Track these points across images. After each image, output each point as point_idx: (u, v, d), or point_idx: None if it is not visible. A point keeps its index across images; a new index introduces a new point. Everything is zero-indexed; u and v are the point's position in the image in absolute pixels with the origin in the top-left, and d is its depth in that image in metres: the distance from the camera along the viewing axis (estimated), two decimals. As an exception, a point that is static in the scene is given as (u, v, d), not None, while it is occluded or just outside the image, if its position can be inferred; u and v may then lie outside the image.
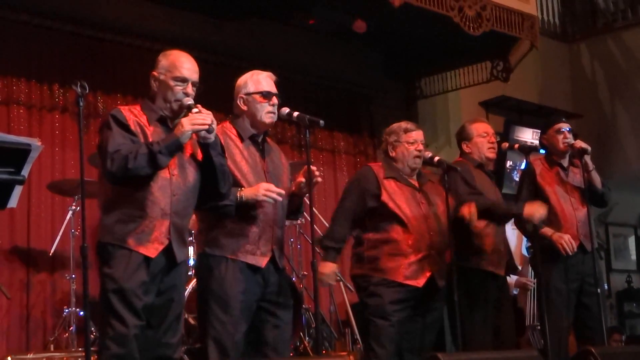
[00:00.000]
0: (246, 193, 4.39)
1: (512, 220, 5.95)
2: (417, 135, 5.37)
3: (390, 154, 5.37)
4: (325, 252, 5.21)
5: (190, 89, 4.18)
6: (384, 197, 5.20)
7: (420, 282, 5.15)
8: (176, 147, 4.01)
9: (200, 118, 4.02)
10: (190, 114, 4.08)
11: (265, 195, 4.37)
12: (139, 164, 3.92)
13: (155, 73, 4.23)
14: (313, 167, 4.48)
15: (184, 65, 4.21)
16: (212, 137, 4.13)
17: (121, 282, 3.96)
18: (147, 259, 4.03)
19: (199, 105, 4.13)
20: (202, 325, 4.43)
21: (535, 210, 5.49)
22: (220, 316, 4.35)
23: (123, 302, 3.95)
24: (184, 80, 4.17)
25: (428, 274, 5.17)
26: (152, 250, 4.04)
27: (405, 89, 9.98)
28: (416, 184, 5.35)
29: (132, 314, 3.96)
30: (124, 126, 4.06)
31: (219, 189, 4.26)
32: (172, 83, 4.17)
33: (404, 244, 5.16)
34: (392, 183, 5.27)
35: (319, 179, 4.55)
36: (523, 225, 5.88)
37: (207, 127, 4.02)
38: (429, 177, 5.48)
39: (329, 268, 5.14)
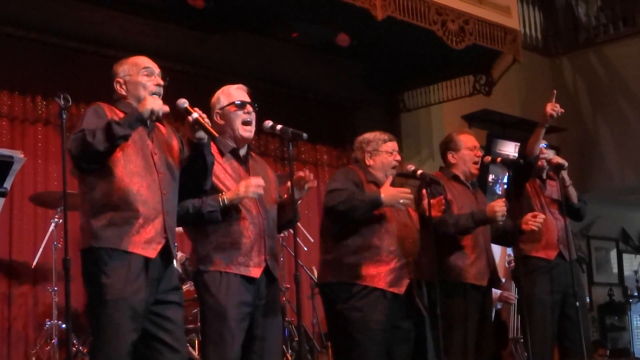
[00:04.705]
0: (228, 196, 4.37)
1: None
2: (394, 145, 5.37)
3: (368, 162, 5.33)
4: (363, 195, 5.08)
5: (160, 79, 4.18)
6: None
7: (402, 289, 5.12)
8: (136, 119, 3.92)
9: (160, 102, 3.96)
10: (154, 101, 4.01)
11: (246, 192, 4.36)
12: (96, 138, 3.80)
13: (119, 79, 4.20)
14: (305, 173, 4.50)
15: (144, 61, 4.22)
16: (206, 137, 4.11)
17: (122, 293, 3.85)
18: (146, 262, 3.95)
19: (196, 109, 4.11)
20: (202, 340, 4.43)
21: (495, 207, 5.50)
22: (217, 328, 4.33)
23: (123, 314, 3.85)
24: (150, 72, 4.18)
25: (407, 281, 5.15)
26: (150, 251, 3.97)
27: (388, 102, 10.00)
28: None
29: (131, 327, 3.87)
30: (102, 115, 4.00)
31: (204, 187, 4.27)
32: (140, 78, 4.16)
33: (386, 250, 5.12)
34: (374, 188, 5.23)
35: (314, 183, 4.55)
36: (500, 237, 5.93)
37: (161, 108, 3.94)
38: None
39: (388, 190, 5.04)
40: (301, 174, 4.51)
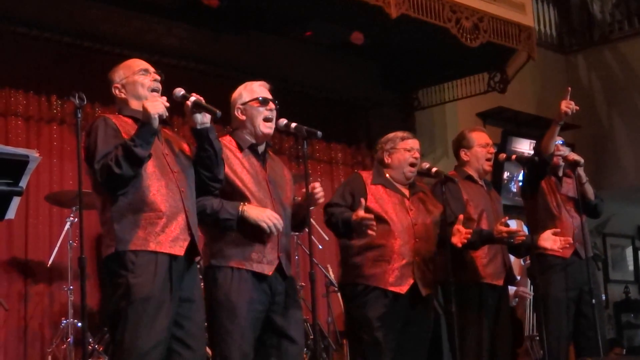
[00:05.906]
0: (248, 211, 4.35)
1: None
2: (414, 143, 5.38)
3: (386, 161, 5.35)
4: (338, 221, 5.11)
5: (156, 75, 4.22)
6: (370, 202, 5.16)
7: (403, 288, 5.12)
8: (150, 134, 3.91)
9: (161, 100, 3.96)
10: (156, 98, 4.03)
11: (266, 223, 4.33)
12: (123, 168, 3.84)
13: (117, 85, 4.25)
14: (317, 186, 4.50)
15: (138, 63, 4.26)
16: (208, 121, 4.12)
17: (151, 291, 3.86)
18: (171, 261, 3.96)
19: (194, 94, 4.13)
20: (211, 337, 4.40)
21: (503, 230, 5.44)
22: (226, 326, 4.31)
23: (153, 312, 3.86)
24: (146, 71, 4.21)
25: (411, 281, 5.14)
26: (177, 248, 3.99)
27: (402, 100, 9.98)
28: (406, 192, 5.34)
29: (160, 326, 3.87)
30: (114, 130, 4.02)
31: (218, 176, 4.26)
32: (137, 77, 4.19)
33: (389, 249, 5.13)
34: (380, 188, 5.27)
35: (321, 200, 4.55)
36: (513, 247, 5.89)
37: (164, 109, 3.94)
38: (422, 188, 5.47)
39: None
40: (318, 188, 4.52)
